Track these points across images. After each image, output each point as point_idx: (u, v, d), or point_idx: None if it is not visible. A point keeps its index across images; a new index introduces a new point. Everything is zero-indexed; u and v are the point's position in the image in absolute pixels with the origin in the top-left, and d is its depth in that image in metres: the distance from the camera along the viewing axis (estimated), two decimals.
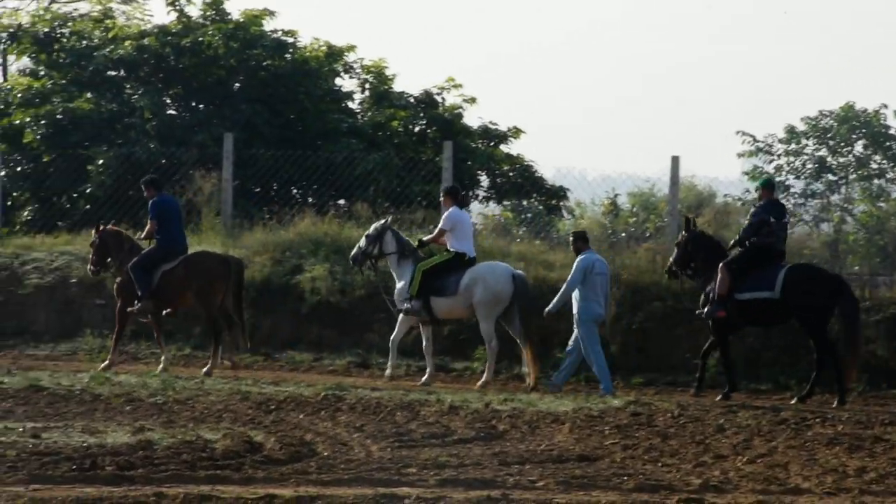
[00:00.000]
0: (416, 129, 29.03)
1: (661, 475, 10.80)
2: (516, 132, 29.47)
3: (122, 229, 20.23)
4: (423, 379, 18.49)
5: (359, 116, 28.97)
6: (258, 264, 21.42)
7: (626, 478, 10.58)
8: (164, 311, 19.22)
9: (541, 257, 21.48)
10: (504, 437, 12.93)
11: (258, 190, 26.27)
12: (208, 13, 28.81)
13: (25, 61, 30.34)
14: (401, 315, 18.76)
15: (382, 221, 19.41)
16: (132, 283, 18.91)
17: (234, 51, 27.83)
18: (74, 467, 10.36)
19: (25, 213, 27.00)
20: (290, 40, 28.84)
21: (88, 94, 27.76)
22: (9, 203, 26.76)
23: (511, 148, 29.44)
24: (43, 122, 27.26)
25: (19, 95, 28.46)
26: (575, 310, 17.95)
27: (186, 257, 19.12)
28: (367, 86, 29.45)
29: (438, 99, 29.23)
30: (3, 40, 30.48)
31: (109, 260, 19.54)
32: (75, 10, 30.69)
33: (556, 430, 13.37)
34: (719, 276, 17.50)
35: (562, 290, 18.07)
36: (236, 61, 27.88)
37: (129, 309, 19.07)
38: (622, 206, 31.08)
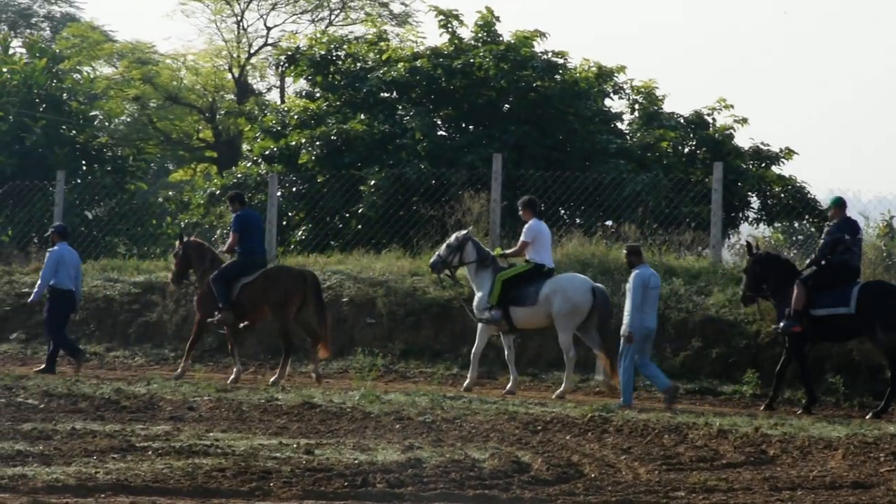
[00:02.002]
0: (686, 149, 28.77)
1: None
2: (788, 153, 28.94)
3: (204, 241, 20.93)
4: (508, 387, 18.90)
5: (628, 137, 28.85)
6: None
7: None
8: (242, 324, 19.86)
9: None
10: (774, 462, 12.65)
11: None
12: (480, 35, 29.08)
13: (302, 83, 31.12)
14: (479, 325, 19.14)
15: (464, 231, 19.96)
16: (212, 295, 19.50)
17: (504, 72, 28.00)
18: (346, 483, 10.52)
19: (300, 233, 27.61)
20: (560, 61, 28.90)
21: (362, 116, 28.30)
22: (284, 223, 27.41)
23: (783, 169, 28.94)
24: (318, 143, 27.92)
25: (296, 117, 29.22)
26: (625, 322, 17.93)
27: (265, 271, 19.71)
28: (636, 106, 29.32)
29: (709, 119, 28.92)
30: (282, 63, 31.31)
31: (192, 271, 20.24)
32: (350, 32, 31.44)
33: (828, 456, 13.02)
34: (795, 291, 17.88)
35: (626, 310, 17.94)
36: (506, 82, 28.04)
37: (210, 320, 19.70)
38: None
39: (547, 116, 28.12)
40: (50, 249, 20.96)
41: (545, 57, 28.76)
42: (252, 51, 41.50)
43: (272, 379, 19.25)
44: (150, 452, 11.81)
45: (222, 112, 39.73)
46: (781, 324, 18.10)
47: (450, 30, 29.20)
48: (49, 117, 33.44)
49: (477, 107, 28.57)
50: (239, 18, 41.56)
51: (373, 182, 26.51)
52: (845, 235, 18.02)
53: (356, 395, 17.13)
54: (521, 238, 19.23)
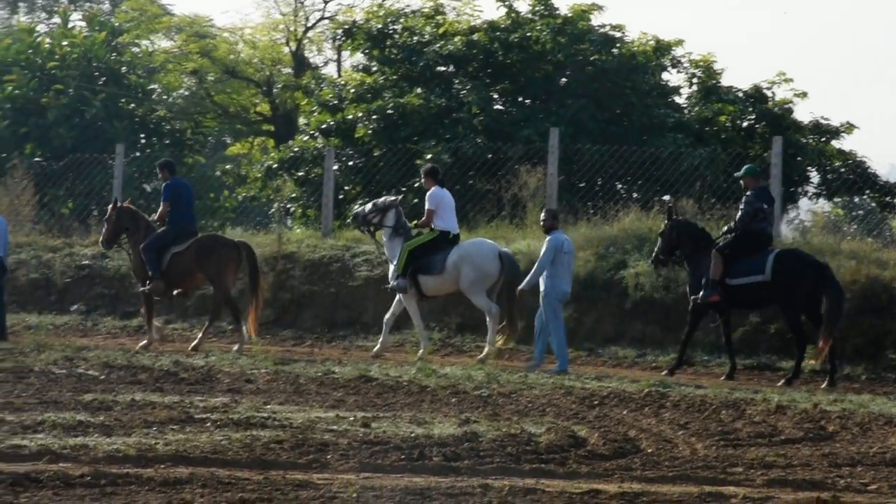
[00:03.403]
0: (745, 124, 28.57)
1: None
2: (849, 128, 28.73)
3: (137, 209, 20.94)
4: (376, 349, 19.55)
5: (685, 111, 28.69)
6: (581, 259, 21.36)
7: None
8: (175, 292, 20.12)
9: (873, 255, 20.89)
10: (834, 438, 12.58)
11: (583, 185, 26.25)
12: (537, 8, 29.00)
13: (359, 57, 31.12)
14: (399, 296, 19.49)
15: (394, 198, 20.34)
16: (143, 264, 19.77)
17: (561, 46, 27.92)
18: (403, 457, 10.54)
19: (356, 207, 27.64)
20: (618, 35, 28.78)
21: (418, 90, 28.29)
22: (341, 196, 27.47)
23: (843, 143, 28.73)
24: (374, 116, 27.95)
25: (352, 91, 29.25)
26: (542, 288, 18.38)
27: (197, 240, 19.96)
28: (694, 80, 29.15)
29: (768, 94, 28.72)
30: (339, 37, 31.34)
31: (125, 237, 20.45)
32: (407, 6, 31.29)
33: (889, 433, 12.93)
34: (713, 261, 18.18)
35: (533, 269, 18.47)
36: (564, 56, 27.95)
37: (141, 289, 20.03)
38: None
39: (604, 90, 28.01)
40: None
41: (602, 30, 28.66)
42: (309, 24, 41.50)
43: (235, 348, 19.38)
44: (208, 424, 11.89)
45: (279, 86, 39.81)
46: (700, 294, 18.31)
47: (507, 3, 29.12)
48: (108, 91, 33.63)
49: (534, 81, 28.49)
50: None
51: (429, 156, 26.49)
52: (763, 204, 18.31)
53: (412, 369, 17.18)
54: (427, 206, 19.52)
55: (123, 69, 35.74)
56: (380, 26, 29.78)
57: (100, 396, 13.49)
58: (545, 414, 13.48)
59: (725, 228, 18.81)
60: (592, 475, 10.22)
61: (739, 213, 18.54)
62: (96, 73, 34.64)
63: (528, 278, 18.59)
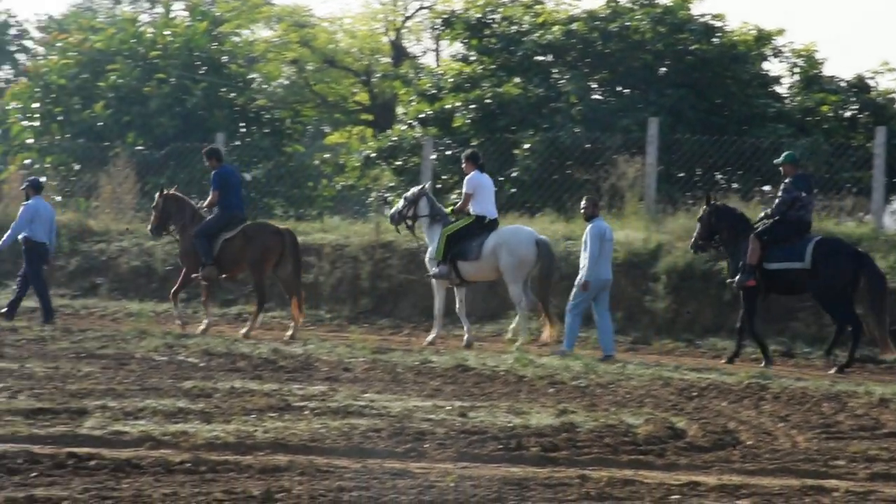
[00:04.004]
0: (847, 114, 28.18)
1: None
2: None
3: (184, 196, 21.23)
4: (465, 339, 19.50)
5: (786, 101, 28.37)
6: (680, 250, 21.22)
7: None
8: (222, 277, 20.54)
9: None
10: None
11: (682, 175, 26.09)
12: None
13: (458, 47, 31.13)
14: (433, 280, 19.73)
15: (420, 187, 20.53)
16: (195, 250, 20.13)
17: (661, 35, 27.72)
18: (500, 447, 10.54)
19: (454, 196, 27.68)
20: (718, 24, 28.49)
21: (516, 79, 28.22)
22: (438, 186, 27.49)
23: None
24: (472, 106, 27.94)
25: (451, 80, 29.25)
26: (581, 273, 18.47)
27: (244, 227, 20.24)
28: (795, 70, 28.80)
29: (871, 83, 28.31)
30: (438, 26, 31.37)
31: (171, 225, 20.86)
32: None
33: None
34: (750, 246, 18.24)
35: (587, 261, 18.40)
36: (663, 45, 27.74)
37: (194, 275, 20.36)
38: None
39: (704, 80, 27.78)
40: (24, 203, 21.65)
41: (703, 20, 28.39)
42: (408, 14, 41.62)
43: (243, 331, 19.85)
44: (306, 412, 11.96)
45: (378, 75, 39.94)
46: (737, 278, 18.42)
47: None
48: (209, 80, 33.90)
49: (633, 70, 28.31)
50: None
51: (527, 146, 26.47)
52: (802, 192, 18.37)
53: (510, 358, 17.16)
54: (464, 190, 19.69)
55: (224, 58, 35.98)
56: (479, 16, 29.75)
57: (199, 384, 13.61)
58: (643, 405, 13.40)
59: (763, 214, 18.87)
60: (691, 467, 10.16)
61: (777, 199, 18.61)
62: (197, 63, 34.90)
63: (585, 271, 18.44)
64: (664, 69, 28.33)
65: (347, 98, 41.26)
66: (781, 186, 18.69)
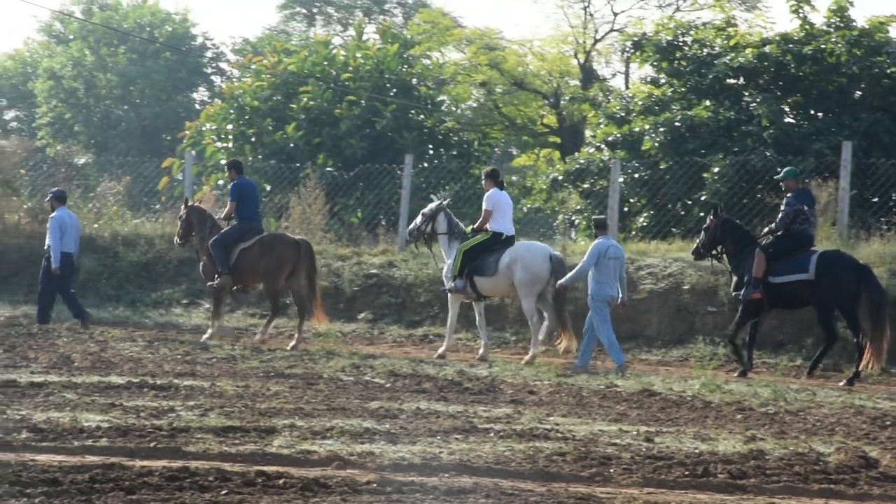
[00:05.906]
0: None
1: None
2: None
3: (205, 208, 21.81)
4: (480, 352, 19.94)
5: None
6: (877, 275, 20.74)
7: None
8: (235, 287, 20.95)
9: None
10: None
11: (876, 200, 25.58)
12: (832, 20, 28.33)
13: (647, 69, 30.98)
14: (449, 295, 20.15)
15: (438, 202, 20.70)
16: (212, 260, 20.56)
17: (857, 58, 27.23)
18: (687, 473, 10.43)
19: (641, 220, 27.55)
20: None
21: (707, 102, 28.00)
22: (626, 209, 27.37)
23: None
24: (661, 129, 27.79)
25: (640, 103, 29.13)
26: (589, 291, 19.08)
27: (261, 238, 20.70)
28: None
29: None
30: (628, 49, 31.26)
31: (194, 234, 21.33)
32: (698, 18, 31.06)
33: None
34: (756, 259, 18.80)
35: (575, 269, 19.27)
36: (859, 68, 27.24)
37: (209, 283, 20.87)
38: None
39: None
40: (51, 216, 22.45)
41: None
42: (598, 36, 41.59)
43: (256, 338, 20.73)
44: (491, 434, 11.97)
45: (567, 98, 39.91)
46: (742, 291, 19.03)
47: (801, 15, 28.53)
48: (399, 101, 34.24)
49: (827, 93, 27.86)
50: (586, 4, 41.79)
51: (717, 169, 26.22)
52: (804, 206, 18.93)
53: (696, 383, 16.97)
54: (484, 207, 19.99)
55: (414, 81, 36.34)
56: (669, 38, 29.59)
57: (385, 404, 13.72)
58: (834, 433, 13.13)
59: (766, 230, 19.55)
60: (885, 497, 9.94)
61: (780, 214, 19.17)
62: (388, 85, 35.31)
63: (567, 276, 19.32)
64: (859, 92, 27.82)
65: (535, 120, 41.32)
66: (784, 201, 19.19)
